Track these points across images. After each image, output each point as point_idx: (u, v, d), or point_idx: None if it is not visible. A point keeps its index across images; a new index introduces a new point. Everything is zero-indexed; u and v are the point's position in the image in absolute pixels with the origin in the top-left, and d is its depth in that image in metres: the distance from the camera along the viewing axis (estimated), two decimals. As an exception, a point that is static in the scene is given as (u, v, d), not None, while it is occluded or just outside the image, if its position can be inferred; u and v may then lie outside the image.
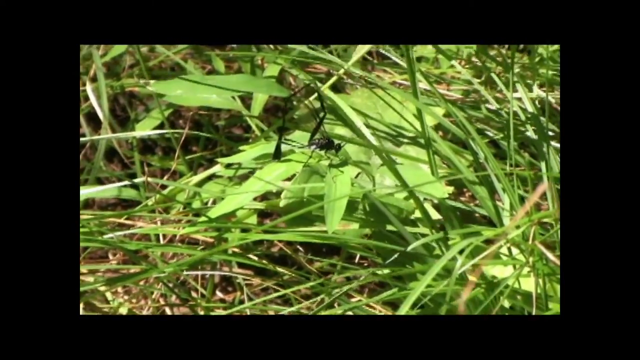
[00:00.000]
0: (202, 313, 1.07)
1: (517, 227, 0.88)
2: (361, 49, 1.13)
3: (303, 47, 1.14)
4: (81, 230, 0.99)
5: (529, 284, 0.93)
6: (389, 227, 0.98)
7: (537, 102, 1.10)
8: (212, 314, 1.06)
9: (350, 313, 0.98)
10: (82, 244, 0.98)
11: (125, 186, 1.14)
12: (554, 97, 1.12)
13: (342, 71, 1.14)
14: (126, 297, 1.12)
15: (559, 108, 1.13)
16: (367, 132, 1.05)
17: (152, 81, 1.08)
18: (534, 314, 0.90)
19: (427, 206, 1.00)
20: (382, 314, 1.00)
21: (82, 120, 1.31)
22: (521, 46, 1.21)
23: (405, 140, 1.10)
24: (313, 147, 0.99)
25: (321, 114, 0.99)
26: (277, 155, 0.97)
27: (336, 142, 0.99)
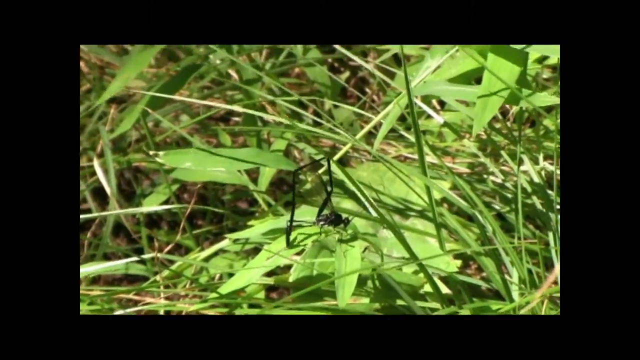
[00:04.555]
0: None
1: (527, 302, 0.88)
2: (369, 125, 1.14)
3: (309, 124, 1.14)
4: (89, 307, 0.99)
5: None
6: (399, 302, 0.98)
7: (543, 174, 1.10)
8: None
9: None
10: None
11: (132, 262, 1.14)
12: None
13: (349, 145, 1.14)
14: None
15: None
16: (374, 206, 1.06)
17: (160, 152, 1.08)
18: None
19: (436, 280, 1.00)
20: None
21: (88, 195, 1.32)
22: (526, 117, 1.22)
23: (413, 214, 1.10)
24: (321, 223, 0.98)
25: (329, 189, 0.98)
26: (288, 242, 0.97)
27: (344, 216, 0.99)
